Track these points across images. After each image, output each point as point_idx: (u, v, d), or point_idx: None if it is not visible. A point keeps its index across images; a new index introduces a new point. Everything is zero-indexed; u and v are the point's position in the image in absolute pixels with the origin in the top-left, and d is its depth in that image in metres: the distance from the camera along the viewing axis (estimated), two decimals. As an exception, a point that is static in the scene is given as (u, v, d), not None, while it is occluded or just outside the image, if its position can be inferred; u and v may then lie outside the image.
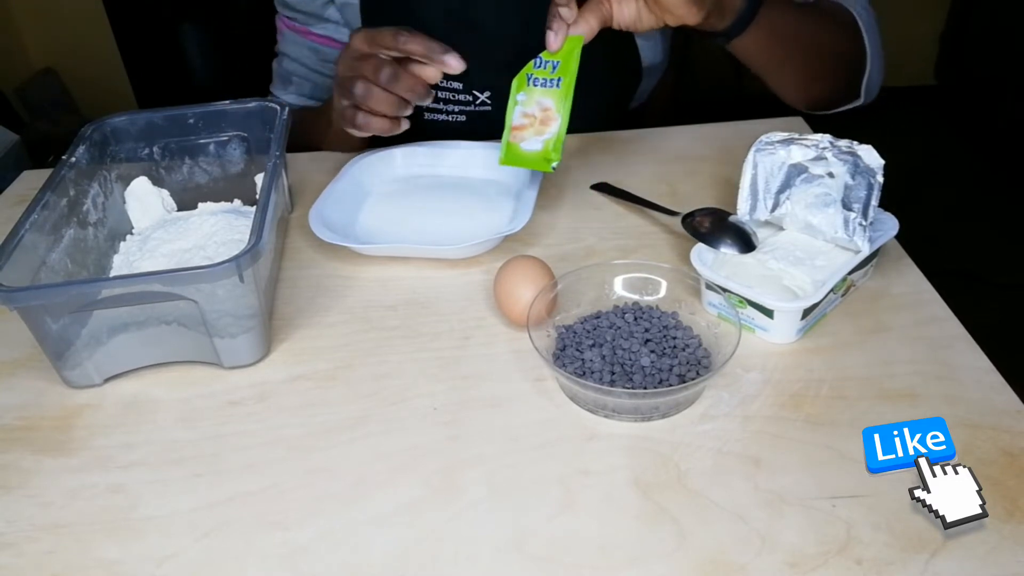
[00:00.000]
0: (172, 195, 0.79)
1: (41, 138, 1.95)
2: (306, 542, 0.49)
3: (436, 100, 0.95)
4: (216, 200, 0.80)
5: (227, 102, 0.78)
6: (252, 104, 0.78)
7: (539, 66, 0.73)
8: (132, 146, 0.77)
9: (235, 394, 0.60)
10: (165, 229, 0.72)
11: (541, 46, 0.73)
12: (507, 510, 0.50)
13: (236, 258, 0.55)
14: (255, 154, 0.79)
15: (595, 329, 0.61)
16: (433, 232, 0.76)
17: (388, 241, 0.74)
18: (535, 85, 0.73)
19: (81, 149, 0.71)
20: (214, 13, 2.18)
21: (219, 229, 0.71)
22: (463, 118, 0.96)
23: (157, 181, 0.78)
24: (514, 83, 0.73)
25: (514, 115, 0.72)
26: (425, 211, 0.79)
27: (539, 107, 0.73)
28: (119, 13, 2.17)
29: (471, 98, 0.94)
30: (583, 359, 0.58)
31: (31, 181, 0.89)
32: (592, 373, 0.57)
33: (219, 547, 0.49)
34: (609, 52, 0.90)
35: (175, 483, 0.53)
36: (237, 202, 0.80)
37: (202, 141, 0.78)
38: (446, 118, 0.96)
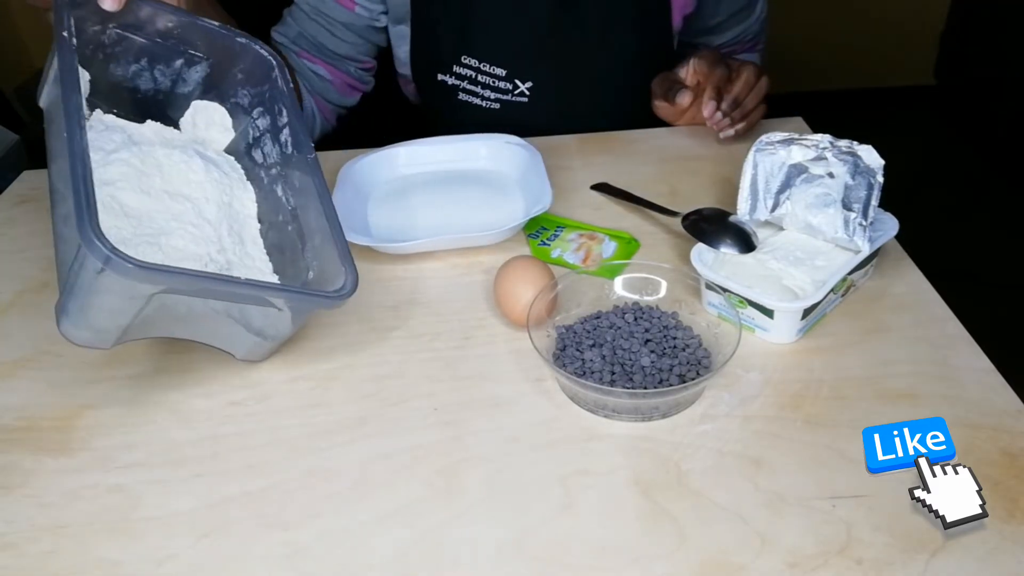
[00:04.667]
0: (94, 82, 0.65)
1: (41, 138, 1.94)
2: (306, 542, 0.49)
3: (475, 83, 0.96)
4: (146, 113, 0.69)
5: (218, 25, 0.68)
6: (242, 40, 0.68)
7: (540, 239, 0.74)
8: (100, 27, 0.64)
9: (235, 394, 0.60)
10: (129, 151, 0.63)
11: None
12: (507, 510, 0.50)
13: (348, 292, 0.56)
14: (210, 87, 0.70)
15: (595, 329, 0.61)
16: (451, 225, 0.76)
17: (410, 239, 0.73)
18: (552, 240, 0.74)
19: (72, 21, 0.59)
20: (214, 13, 2.18)
21: (206, 182, 0.65)
22: (497, 105, 0.96)
23: (90, 63, 0.65)
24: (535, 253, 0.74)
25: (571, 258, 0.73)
26: (435, 206, 0.79)
27: (577, 240, 0.74)
28: (119, 13, 2.17)
29: (511, 87, 0.95)
30: (583, 359, 0.58)
31: (31, 181, 0.89)
32: (592, 373, 0.57)
33: (219, 547, 0.49)
34: (641, 37, 0.94)
35: (175, 483, 0.53)
36: (174, 132, 0.70)
37: (173, 50, 0.67)
38: (480, 102, 0.97)
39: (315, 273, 0.62)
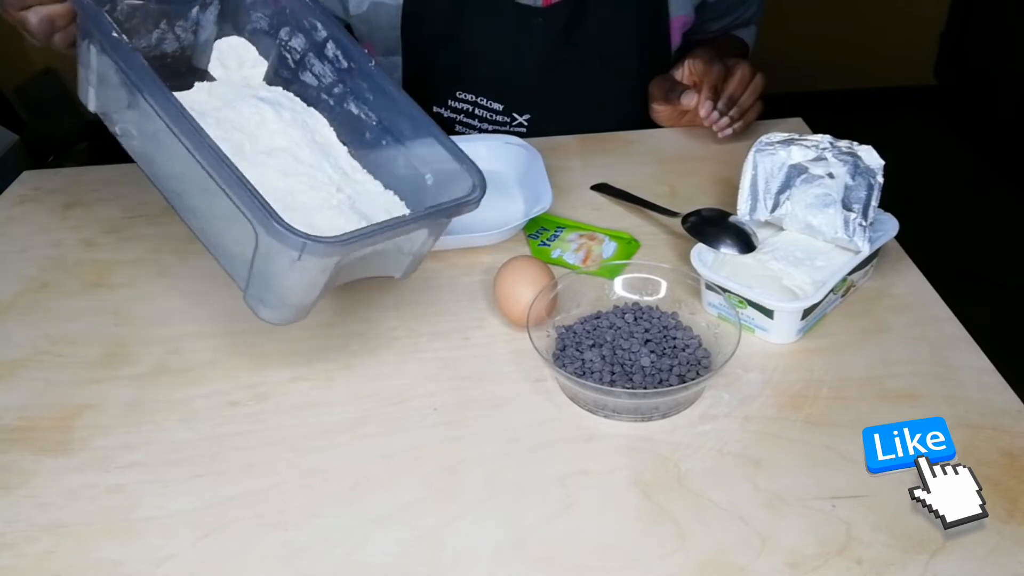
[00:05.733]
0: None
1: (41, 138, 1.94)
2: (306, 542, 0.49)
3: (471, 116, 0.95)
4: (178, 73, 0.67)
5: None
6: None
7: (540, 239, 0.74)
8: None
9: (235, 394, 0.60)
10: (207, 127, 0.58)
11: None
12: (507, 510, 0.50)
13: (481, 191, 0.59)
14: (223, 22, 0.69)
15: (595, 329, 0.61)
16: (453, 225, 0.75)
17: None
18: (552, 241, 0.74)
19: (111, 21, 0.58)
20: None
21: (289, 129, 0.64)
22: None
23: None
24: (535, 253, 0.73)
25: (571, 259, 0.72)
26: None
27: (577, 240, 0.74)
28: (119, 13, 2.17)
29: (509, 119, 0.95)
30: (583, 359, 0.58)
31: (31, 181, 0.89)
32: (592, 373, 0.57)
33: (219, 547, 0.49)
34: (641, 40, 0.93)
35: (175, 483, 0.53)
36: (223, 87, 0.67)
37: (184, 3, 0.66)
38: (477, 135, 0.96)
39: (433, 177, 0.63)
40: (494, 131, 0.95)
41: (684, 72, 0.88)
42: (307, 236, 0.49)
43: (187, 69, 0.69)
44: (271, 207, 0.50)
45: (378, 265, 0.61)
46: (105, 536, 0.50)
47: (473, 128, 0.96)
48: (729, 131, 0.84)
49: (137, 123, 0.60)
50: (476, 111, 0.94)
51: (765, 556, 0.47)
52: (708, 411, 0.56)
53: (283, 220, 0.50)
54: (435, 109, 0.96)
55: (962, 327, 0.62)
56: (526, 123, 0.94)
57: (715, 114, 0.83)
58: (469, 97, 0.94)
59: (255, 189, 0.51)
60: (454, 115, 0.96)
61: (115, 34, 0.56)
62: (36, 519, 0.52)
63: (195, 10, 0.66)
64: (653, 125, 0.93)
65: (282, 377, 0.61)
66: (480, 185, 0.59)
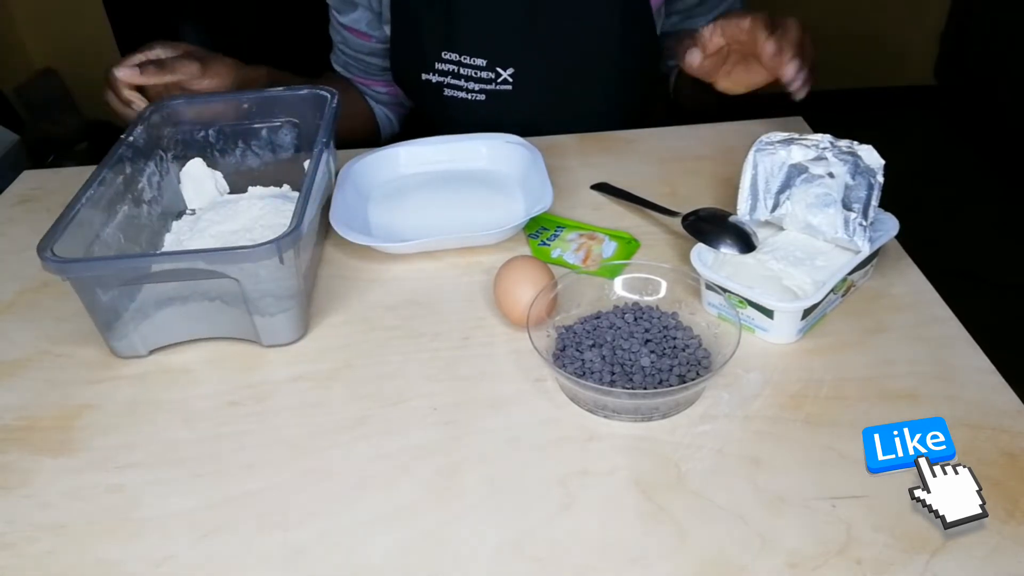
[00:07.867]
0: (225, 177, 0.81)
1: (41, 138, 1.94)
2: (306, 542, 0.49)
3: (458, 77, 0.96)
4: (267, 184, 0.81)
5: (280, 89, 0.79)
6: (304, 91, 0.79)
7: (540, 239, 0.74)
8: (189, 128, 0.79)
9: (235, 394, 0.60)
10: (216, 211, 0.75)
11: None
12: (507, 510, 0.50)
13: (277, 240, 0.57)
14: (305, 140, 0.80)
15: (595, 329, 0.61)
16: (451, 225, 0.76)
17: (410, 239, 0.73)
18: (552, 240, 0.74)
19: (139, 129, 0.73)
20: (214, 13, 2.18)
21: (266, 212, 0.73)
22: (482, 97, 0.96)
23: (211, 163, 0.80)
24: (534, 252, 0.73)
25: (571, 258, 0.72)
26: (435, 206, 0.79)
27: (577, 240, 0.74)
28: (119, 13, 2.17)
29: (493, 75, 0.95)
30: (583, 359, 0.58)
31: (31, 181, 0.89)
32: (592, 373, 0.57)
33: (219, 547, 0.49)
34: (627, 34, 0.93)
35: (175, 483, 0.53)
36: (286, 187, 0.81)
37: (255, 126, 0.80)
38: (465, 95, 0.97)
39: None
40: (481, 89, 0.96)
41: (714, 31, 0.74)
42: (46, 255, 0.56)
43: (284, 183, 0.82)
44: (53, 232, 0.58)
45: (234, 325, 0.63)
46: (105, 536, 0.50)
47: (460, 90, 0.96)
48: (801, 77, 0.69)
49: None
50: (461, 71, 0.95)
51: (765, 556, 0.47)
52: (708, 411, 0.56)
53: (45, 246, 0.57)
54: (424, 77, 0.97)
55: (962, 327, 0.62)
56: (511, 78, 0.95)
57: (791, 69, 0.68)
58: (454, 56, 0.95)
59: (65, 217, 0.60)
60: (442, 79, 0.96)
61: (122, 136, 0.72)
62: (36, 519, 0.52)
63: (264, 131, 0.80)
64: (653, 123, 0.93)
65: (282, 377, 0.61)
66: (276, 244, 0.57)
